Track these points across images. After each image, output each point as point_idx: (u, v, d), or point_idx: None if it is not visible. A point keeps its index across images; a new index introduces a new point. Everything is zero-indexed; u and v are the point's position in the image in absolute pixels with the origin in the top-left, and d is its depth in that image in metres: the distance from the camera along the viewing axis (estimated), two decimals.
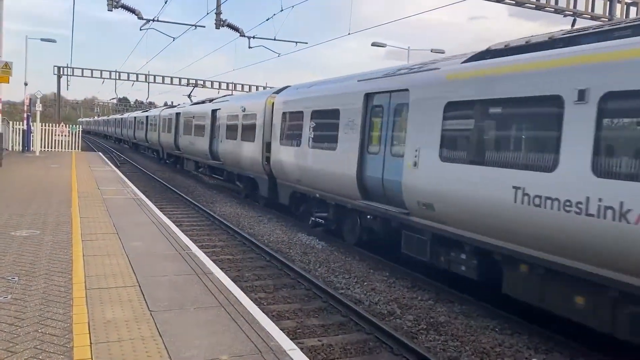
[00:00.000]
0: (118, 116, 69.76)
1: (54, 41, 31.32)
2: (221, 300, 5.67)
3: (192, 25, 20.65)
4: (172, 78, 60.76)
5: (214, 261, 8.20)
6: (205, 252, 8.77)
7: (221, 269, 7.69)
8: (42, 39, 31.11)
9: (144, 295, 5.68)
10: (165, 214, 12.15)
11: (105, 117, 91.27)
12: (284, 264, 11.26)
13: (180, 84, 61.25)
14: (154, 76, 59.99)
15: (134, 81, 59.43)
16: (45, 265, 6.70)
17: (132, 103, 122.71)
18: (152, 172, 29.20)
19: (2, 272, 6.35)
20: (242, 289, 6.64)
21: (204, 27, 19.92)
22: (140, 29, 20.79)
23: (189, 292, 5.91)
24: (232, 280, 7.12)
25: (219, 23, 21.00)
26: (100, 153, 35.83)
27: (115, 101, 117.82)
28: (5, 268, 6.52)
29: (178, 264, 7.12)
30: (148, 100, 77.51)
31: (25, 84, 30.91)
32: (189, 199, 19.80)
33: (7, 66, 19.68)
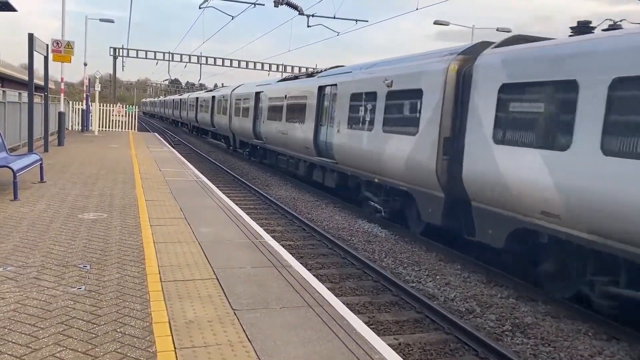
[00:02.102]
0: (202, 94, 40.88)
1: (112, 21, 31.52)
2: (307, 299, 5.14)
3: (252, 4, 20.18)
4: (223, 60, 60.85)
5: None
6: None
7: None
8: (100, 20, 31.36)
9: (223, 291, 5.22)
10: (228, 198, 11.78)
11: (176, 97, 63.20)
12: (347, 252, 10.78)
13: (231, 66, 61.39)
14: (206, 57, 60.21)
15: (187, 62, 59.85)
16: (116, 253, 6.35)
17: (183, 85, 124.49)
18: (205, 153, 29.25)
19: (73, 259, 6.03)
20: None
21: (263, 5, 19.48)
22: (200, 7, 20.51)
23: (271, 287, 5.42)
24: None
25: (278, 1, 20.44)
26: (156, 134, 36.17)
27: (167, 82, 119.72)
28: (75, 254, 6.20)
29: (253, 254, 6.66)
30: (200, 82, 78.11)
31: (85, 65, 31.35)
32: (244, 181, 19.57)
33: (70, 46, 19.76)
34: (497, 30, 26.72)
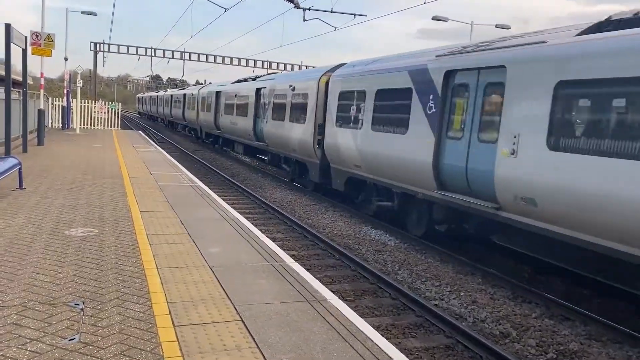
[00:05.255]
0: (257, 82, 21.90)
1: (94, 14, 30.09)
2: (360, 350, 4.11)
3: None
4: (207, 56, 59.51)
5: None
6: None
7: None
8: (82, 12, 29.89)
9: (254, 339, 4.16)
10: (231, 207, 10.67)
11: (196, 89, 35.89)
12: (358, 264, 9.86)
13: (215, 62, 60.03)
14: (190, 53, 58.76)
15: (170, 58, 58.38)
16: (114, 284, 5.24)
17: (164, 81, 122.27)
18: (191, 152, 28.13)
19: (62, 293, 4.91)
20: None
21: None
22: None
23: (312, 333, 4.37)
24: None
25: None
26: (140, 131, 34.79)
27: (148, 79, 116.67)
28: (65, 287, 5.07)
29: (277, 284, 5.59)
30: (182, 78, 76.42)
31: (66, 59, 29.83)
32: (236, 182, 18.54)
33: (50, 39, 18.44)
34: (496, 26, 25.98)
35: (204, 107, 32.14)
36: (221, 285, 5.35)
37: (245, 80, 25.06)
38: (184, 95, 39.87)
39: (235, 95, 24.81)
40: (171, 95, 48.44)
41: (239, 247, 6.97)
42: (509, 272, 9.67)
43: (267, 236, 10.92)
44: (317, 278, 8.68)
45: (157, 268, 5.78)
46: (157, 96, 62.08)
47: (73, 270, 5.54)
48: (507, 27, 25.73)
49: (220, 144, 30.07)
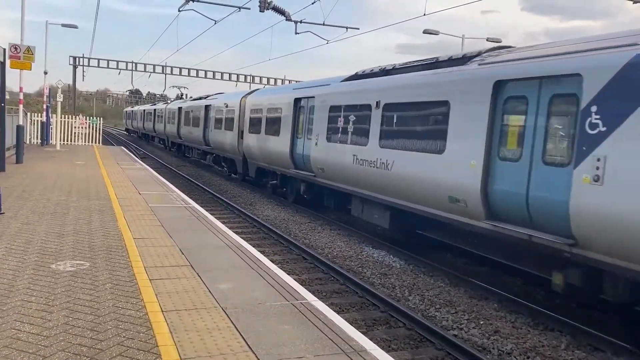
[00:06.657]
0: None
1: (75, 27, 29.18)
2: None
3: (237, 8, 18.39)
4: (189, 70, 58.72)
5: None
6: None
7: None
8: (63, 25, 28.98)
9: None
10: (232, 232, 9.87)
11: (236, 97, 22.78)
12: (365, 289, 9.22)
13: (197, 76, 59.21)
14: (171, 67, 57.88)
15: (151, 72, 57.44)
16: (114, 333, 4.43)
17: (144, 95, 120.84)
18: (175, 168, 27.31)
19: (53, 348, 4.08)
20: None
21: (249, 9, 17.48)
22: (179, 10, 18.59)
23: None
24: None
25: (264, 5, 18.74)
26: (122, 147, 33.74)
27: (128, 93, 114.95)
28: (56, 340, 4.24)
29: (304, 330, 4.83)
30: (164, 92, 75.20)
31: (45, 73, 28.85)
32: (225, 199, 17.80)
33: (30, 51, 17.54)
34: (487, 40, 25.81)
35: (258, 127, 19.39)
36: (240, 334, 4.57)
37: (406, 67, 11.88)
38: (205, 107, 26.85)
39: (377, 103, 11.83)
40: (179, 108, 33.67)
41: (250, 282, 6.19)
42: (497, 284, 9.58)
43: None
44: None
45: (163, 311, 4.98)
46: (155, 110, 46.35)
47: (64, 317, 4.71)
48: (499, 41, 25.57)
49: (290, 189, 17.88)
